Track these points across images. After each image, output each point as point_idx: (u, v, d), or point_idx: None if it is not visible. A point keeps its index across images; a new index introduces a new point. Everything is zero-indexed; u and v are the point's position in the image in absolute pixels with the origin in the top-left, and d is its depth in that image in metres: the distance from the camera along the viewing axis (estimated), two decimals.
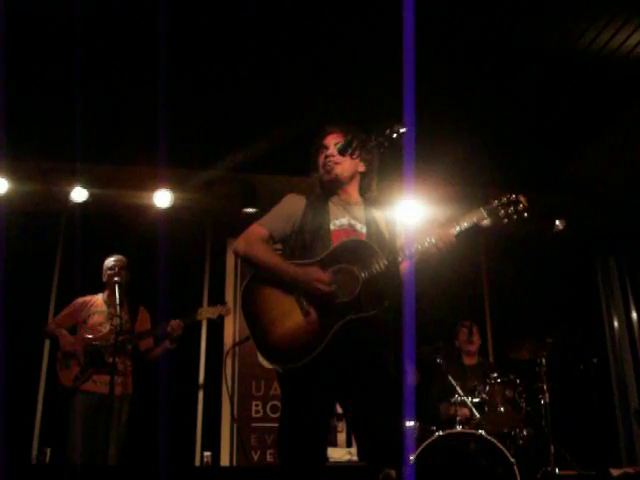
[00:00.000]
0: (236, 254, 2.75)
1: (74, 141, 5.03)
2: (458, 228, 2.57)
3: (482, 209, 2.63)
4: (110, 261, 4.95)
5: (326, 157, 2.80)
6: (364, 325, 2.51)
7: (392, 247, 2.61)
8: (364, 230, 2.76)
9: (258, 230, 2.74)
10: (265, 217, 2.80)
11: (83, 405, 4.54)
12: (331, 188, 2.84)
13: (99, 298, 4.96)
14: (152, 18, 4.10)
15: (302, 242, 2.68)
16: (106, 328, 4.76)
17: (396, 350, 2.52)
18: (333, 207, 2.78)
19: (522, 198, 2.63)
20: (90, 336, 4.71)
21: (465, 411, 4.75)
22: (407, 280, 2.64)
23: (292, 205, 2.80)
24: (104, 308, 4.87)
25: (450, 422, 4.75)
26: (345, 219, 2.75)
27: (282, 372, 2.58)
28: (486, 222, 2.60)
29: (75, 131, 4.92)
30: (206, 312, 4.81)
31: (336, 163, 2.78)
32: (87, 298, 4.96)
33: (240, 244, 2.72)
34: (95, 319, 4.81)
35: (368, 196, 2.89)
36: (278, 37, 4.63)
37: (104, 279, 4.95)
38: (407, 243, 2.60)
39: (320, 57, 4.81)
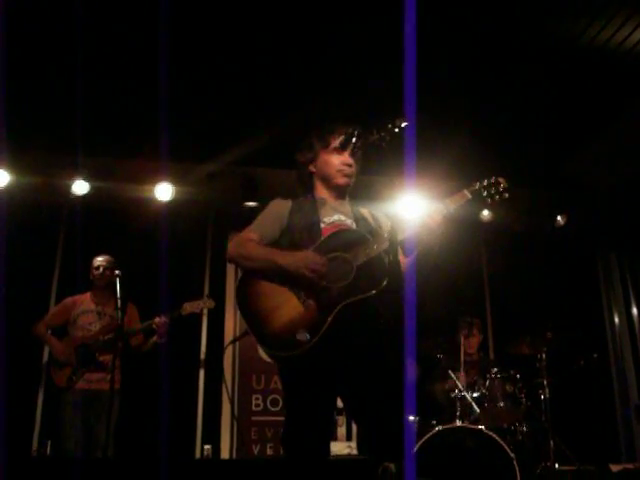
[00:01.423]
0: (229, 259, 2.75)
1: (75, 134, 5.03)
2: (445, 210, 2.62)
3: (465, 191, 2.69)
4: (97, 260, 5.03)
5: (346, 164, 2.82)
6: (361, 311, 2.53)
7: (382, 236, 2.63)
8: (353, 225, 2.79)
9: (247, 234, 2.76)
10: (253, 223, 2.81)
11: (76, 401, 4.65)
12: (331, 190, 2.87)
13: (87, 296, 5.02)
14: (153, 12, 4.09)
15: (291, 241, 2.70)
16: (96, 327, 4.86)
17: (397, 341, 2.52)
18: (321, 207, 2.81)
19: (501, 180, 2.73)
20: (80, 335, 4.81)
21: (457, 383, 4.79)
22: (408, 275, 2.65)
23: (279, 209, 2.82)
24: (92, 307, 4.95)
25: (449, 407, 4.77)
26: (335, 216, 2.78)
27: (283, 363, 2.59)
28: (469, 198, 2.71)
29: (76, 124, 4.91)
30: (190, 307, 4.92)
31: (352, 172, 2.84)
32: (76, 297, 5.04)
33: (231, 249, 2.74)
34: (84, 319, 4.89)
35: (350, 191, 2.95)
36: (279, 31, 4.62)
37: (91, 277, 5.04)
38: (407, 237, 2.61)
39: (321, 51, 4.80)
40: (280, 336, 2.51)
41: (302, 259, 2.55)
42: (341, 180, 2.83)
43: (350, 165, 2.82)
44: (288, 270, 2.55)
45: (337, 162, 2.83)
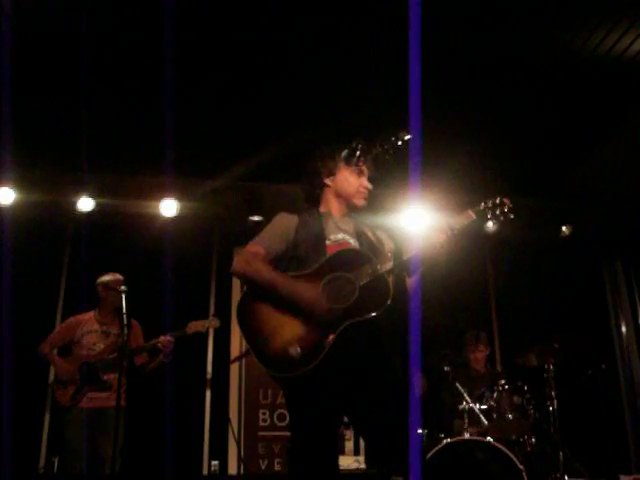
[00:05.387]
0: (234, 274, 2.73)
1: (80, 151, 5.06)
2: (450, 231, 2.57)
3: (470, 211, 2.64)
4: (109, 279, 4.91)
5: (366, 188, 2.82)
6: (364, 330, 2.50)
7: (386, 255, 2.60)
8: (356, 244, 2.75)
9: (254, 249, 2.72)
10: (259, 236, 2.78)
11: (80, 420, 4.57)
12: (342, 206, 2.85)
13: (91, 316, 4.96)
14: (159, 29, 4.12)
15: (297, 257, 2.68)
16: (100, 347, 4.79)
17: (402, 355, 2.51)
18: (326, 223, 2.78)
19: (506, 200, 2.67)
20: (85, 354, 4.75)
21: (465, 395, 4.77)
22: (414, 288, 2.63)
23: (285, 223, 2.79)
24: (97, 327, 4.88)
25: (457, 420, 4.75)
26: (340, 235, 2.75)
27: (285, 384, 2.58)
28: (472, 220, 2.64)
29: (81, 141, 4.95)
30: (195, 326, 4.81)
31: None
32: (79, 317, 4.96)
33: (238, 264, 2.71)
34: (89, 339, 4.82)
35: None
36: (284, 46, 4.65)
37: (99, 295, 4.94)
38: (413, 252, 2.59)
39: (326, 66, 4.82)
40: (280, 357, 2.48)
41: (303, 297, 2.50)
42: (359, 202, 2.82)
43: (369, 190, 2.82)
44: (290, 301, 2.53)
45: (358, 183, 2.81)
